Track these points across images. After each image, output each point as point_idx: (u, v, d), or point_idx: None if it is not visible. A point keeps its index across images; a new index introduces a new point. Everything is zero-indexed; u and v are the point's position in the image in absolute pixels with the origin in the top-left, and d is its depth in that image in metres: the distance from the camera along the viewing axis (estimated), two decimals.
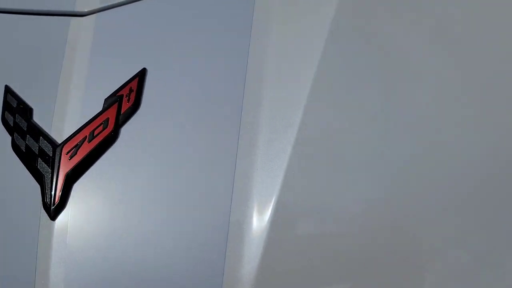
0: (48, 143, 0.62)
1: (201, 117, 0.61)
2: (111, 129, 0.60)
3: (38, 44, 0.71)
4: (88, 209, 0.60)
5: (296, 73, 0.62)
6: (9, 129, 0.66)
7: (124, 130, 0.61)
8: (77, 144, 0.60)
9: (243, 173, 0.58)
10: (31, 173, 0.62)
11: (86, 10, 0.73)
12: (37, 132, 0.63)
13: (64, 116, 0.63)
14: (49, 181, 0.60)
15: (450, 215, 0.60)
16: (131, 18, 0.70)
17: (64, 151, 0.61)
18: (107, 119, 0.61)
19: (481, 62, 0.64)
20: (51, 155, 0.61)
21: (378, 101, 0.62)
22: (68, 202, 0.61)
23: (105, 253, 0.58)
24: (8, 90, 0.68)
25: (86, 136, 0.60)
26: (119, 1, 0.73)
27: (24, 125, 0.65)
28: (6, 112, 0.67)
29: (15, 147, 0.64)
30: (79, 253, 0.59)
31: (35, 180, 0.62)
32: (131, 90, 0.62)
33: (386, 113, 0.62)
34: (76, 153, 0.60)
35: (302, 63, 0.62)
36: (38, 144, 0.62)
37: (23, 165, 0.63)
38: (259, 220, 0.57)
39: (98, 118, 0.61)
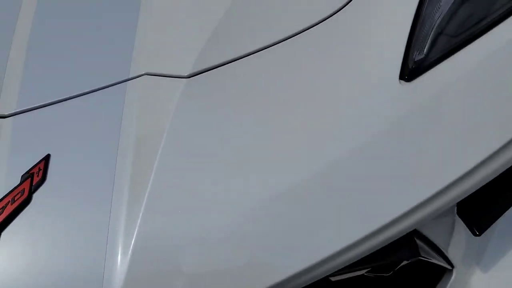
0: None
1: (85, 186, 0.93)
2: (26, 196, 0.91)
3: None
4: (12, 254, 0.88)
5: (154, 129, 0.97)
6: None
7: (36, 196, 0.92)
8: (3, 206, 0.90)
9: (115, 221, 0.89)
10: None
11: (6, 113, 1.05)
12: None
13: None
14: None
15: None
16: (41, 120, 1.03)
17: None
18: (23, 189, 0.91)
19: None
20: None
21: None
22: None
23: None
24: None
25: (9, 201, 0.90)
26: (33, 106, 1.06)
27: None
28: None
29: None
30: None
31: None
32: (39, 169, 0.94)
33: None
34: (2, 212, 0.89)
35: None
36: None
37: None
38: (123, 258, 0.86)
39: (17, 188, 0.92)
